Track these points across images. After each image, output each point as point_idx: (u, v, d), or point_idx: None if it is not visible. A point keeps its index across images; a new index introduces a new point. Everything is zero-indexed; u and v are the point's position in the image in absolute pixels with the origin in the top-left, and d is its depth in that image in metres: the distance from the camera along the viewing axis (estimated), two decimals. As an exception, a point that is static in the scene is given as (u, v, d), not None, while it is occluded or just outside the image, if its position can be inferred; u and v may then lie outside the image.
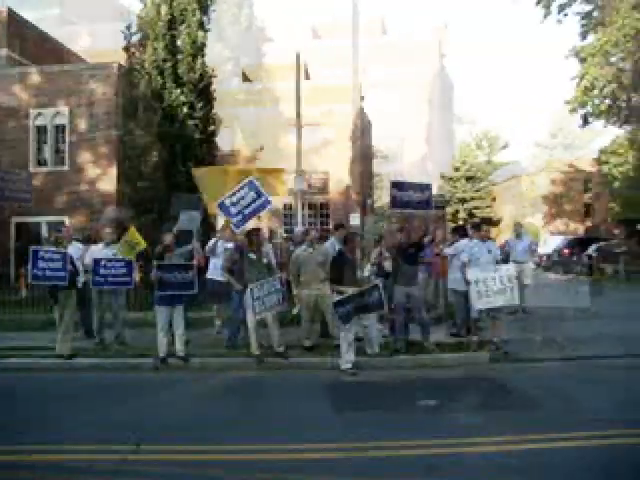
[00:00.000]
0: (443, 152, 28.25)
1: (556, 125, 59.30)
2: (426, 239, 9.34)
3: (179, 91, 14.17)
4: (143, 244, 9.85)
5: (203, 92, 14.99)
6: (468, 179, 57.33)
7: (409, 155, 26.05)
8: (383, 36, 31.35)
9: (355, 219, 25.88)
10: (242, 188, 8.78)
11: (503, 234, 50.39)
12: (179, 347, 8.67)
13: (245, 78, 32.43)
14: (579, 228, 51.34)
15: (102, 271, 9.38)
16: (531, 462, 4.79)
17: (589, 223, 52.02)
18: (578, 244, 28.22)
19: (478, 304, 8.88)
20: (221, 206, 8.73)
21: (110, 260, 9.54)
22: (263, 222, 23.80)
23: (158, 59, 14.08)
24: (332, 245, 9.77)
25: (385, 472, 4.73)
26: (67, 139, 22.92)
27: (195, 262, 8.96)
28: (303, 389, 7.51)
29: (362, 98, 31.89)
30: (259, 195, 8.72)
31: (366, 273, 10.39)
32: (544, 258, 31.75)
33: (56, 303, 8.99)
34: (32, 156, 23.03)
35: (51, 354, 8.97)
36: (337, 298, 8.24)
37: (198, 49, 14.58)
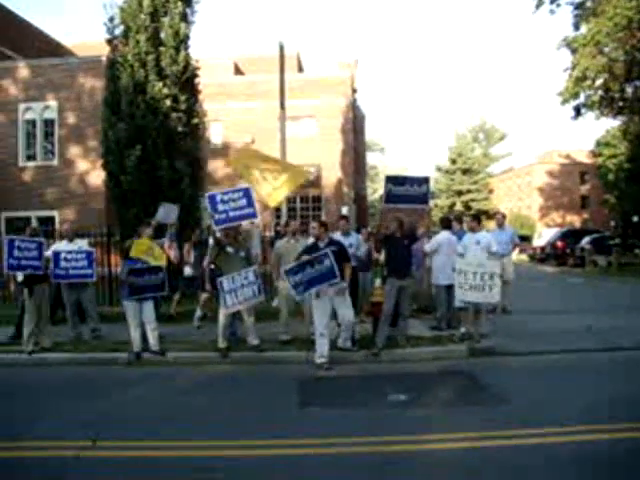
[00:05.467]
0: (356, 176, 28.51)
1: (455, 151, 59.51)
2: (420, 231, 9.20)
3: (162, 84, 13.99)
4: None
5: (187, 85, 14.81)
6: (465, 172, 57.35)
7: (327, 179, 26.16)
8: (299, 72, 31.86)
9: (346, 211, 25.86)
10: (237, 191, 8.78)
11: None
12: (152, 342, 8.60)
13: (237, 71, 32.28)
14: (575, 220, 51.29)
15: (62, 264, 9.32)
16: (485, 460, 4.70)
17: (585, 215, 51.95)
18: (572, 236, 28.12)
19: (457, 294, 8.90)
20: (211, 198, 8.60)
21: (70, 252, 9.48)
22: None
23: (140, 52, 13.89)
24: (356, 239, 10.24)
25: (341, 468, 4.66)
26: (56, 133, 22.85)
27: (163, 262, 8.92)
28: (274, 384, 7.42)
29: (355, 91, 31.91)
30: (249, 205, 8.66)
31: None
32: (538, 251, 31.72)
33: (31, 295, 8.89)
34: (21, 150, 22.94)
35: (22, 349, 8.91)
36: (287, 266, 8.18)
37: (181, 41, 14.39)
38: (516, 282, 12.37)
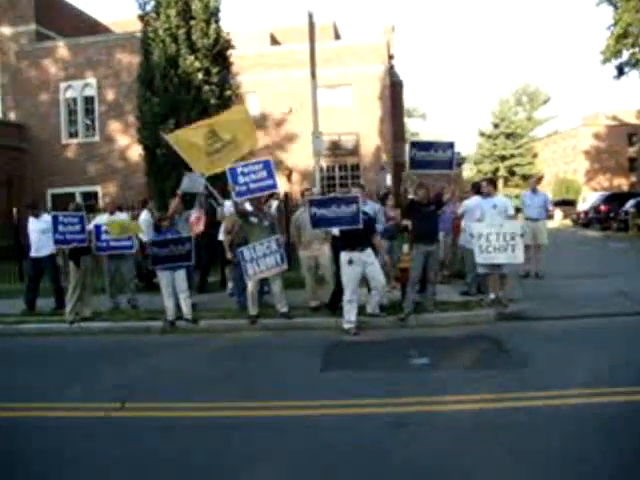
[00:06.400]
0: (395, 144, 27.96)
1: (498, 115, 57.53)
2: (445, 196, 9.16)
3: (193, 57, 14.19)
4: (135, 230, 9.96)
5: (218, 57, 14.97)
6: (508, 136, 56.15)
7: (365, 148, 25.83)
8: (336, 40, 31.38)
9: (386, 179, 25.70)
10: (258, 163, 8.91)
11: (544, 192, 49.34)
12: (185, 310, 8.89)
13: (274, 41, 32.18)
14: (623, 184, 49.74)
15: (103, 237, 9.68)
16: (496, 421, 4.78)
17: (633, 178, 50.28)
18: (616, 200, 27.36)
19: (479, 258, 8.86)
20: (232, 170, 8.78)
21: None
22: (295, 185, 23.92)
23: (171, 26, 14.08)
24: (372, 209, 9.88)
25: (355, 428, 4.82)
26: (96, 110, 23.38)
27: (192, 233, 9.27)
28: (300, 349, 7.61)
29: (392, 57, 31.44)
30: (269, 176, 8.81)
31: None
32: (582, 215, 31.07)
33: (78, 267, 9.29)
34: (64, 128, 23.58)
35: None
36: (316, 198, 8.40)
37: (211, 14, 14.52)
38: (554, 247, 12.22)
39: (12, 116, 23.72)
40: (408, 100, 63.16)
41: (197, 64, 14.21)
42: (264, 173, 8.75)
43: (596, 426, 4.61)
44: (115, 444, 4.71)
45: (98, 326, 9.21)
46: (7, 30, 23.69)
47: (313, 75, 14.60)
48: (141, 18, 14.92)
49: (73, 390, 6.14)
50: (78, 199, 22.71)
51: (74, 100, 23.55)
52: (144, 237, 10.18)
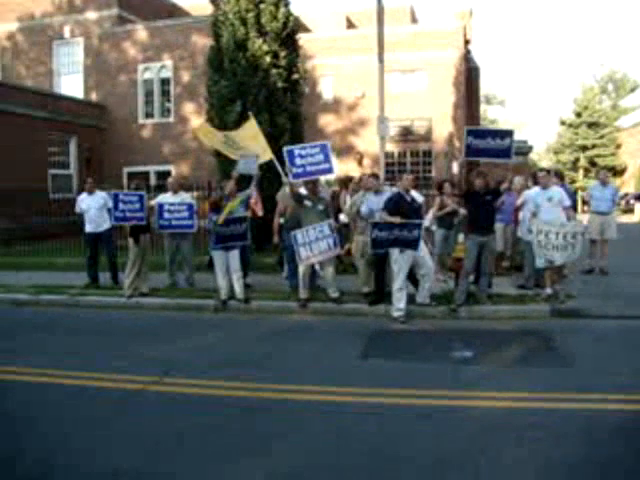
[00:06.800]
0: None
1: (581, 103, 54.07)
2: (503, 186, 8.93)
3: (262, 41, 14.29)
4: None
5: (287, 40, 15.02)
6: (590, 125, 53.71)
7: (437, 134, 25.10)
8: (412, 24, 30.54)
9: (453, 167, 25.24)
10: (315, 147, 9.08)
11: (627, 185, 47.01)
12: (237, 290, 9.07)
13: (350, 25, 32.01)
14: None
15: (166, 215, 9.98)
16: (523, 421, 4.63)
17: None
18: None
19: (536, 253, 8.65)
20: (289, 152, 8.92)
21: (172, 204, 10.10)
22: (366, 169, 23.85)
23: (241, 9, 14.22)
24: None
25: (372, 417, 4.83)
26: (172, 91, 24.03)
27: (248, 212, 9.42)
28: (345, 335, 7.62)
29: (468, 42, 30.63)
30: (326, 160, 8.94)
31: (426, 223, 10.26)
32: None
33: (137, 243, 9.62)
34: (140, 109, 24.38)
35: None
36: (376, 220, 8.27)
37: (281, -2, 14.60)
38: (629, 242, 11.61)
39: (93, 96, 24.70)
40: (486, 86, 61.58)
41: (265, 47, 14.31)
42: (321, 157, 8.85)
43: (630, 435, 4.40)
44: (138, 415, 4.96)
45: (154, 302, 9.54)
46: (92, 15, 24.66)
47: (381, 60, 14.47)
48: (212, 1, 15.17)
49: (120, 362, 6.41)
50: (152, 177, 23.60)
51: (151, 81, 24.28)
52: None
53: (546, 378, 5.67)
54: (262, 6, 14.42)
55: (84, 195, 10.82)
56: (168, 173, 23.82)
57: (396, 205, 8.30)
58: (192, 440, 4.40)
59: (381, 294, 8.80)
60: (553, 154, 59.30)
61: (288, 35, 15.03)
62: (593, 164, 51.83)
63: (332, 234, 8.65)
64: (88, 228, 10.72)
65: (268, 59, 14.47)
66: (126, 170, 24.07)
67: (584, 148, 53.94)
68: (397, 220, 8.05)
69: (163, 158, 24.02)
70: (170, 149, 23.98)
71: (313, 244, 8.55)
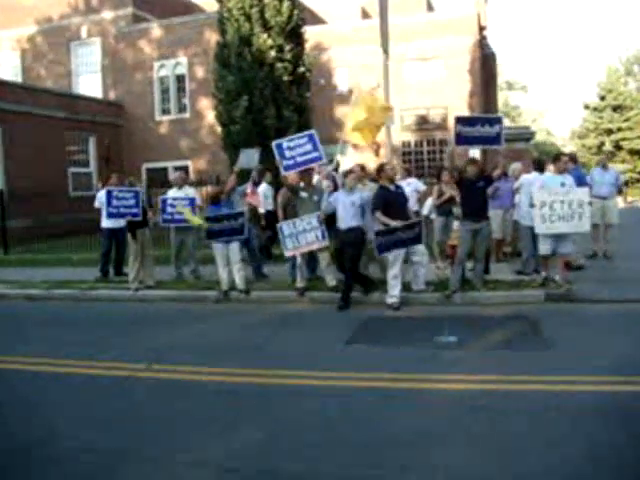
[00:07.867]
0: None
1: (605, 86, 52.69)
2: (495, 173, 8.97)
3: (266, 35, 14.49)
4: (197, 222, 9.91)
5: (292, 34, 15.18)
6: (615, 108, 52.75)
7: (454, 121, 24.53)
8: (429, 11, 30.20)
9: (473, 154, 25.12)
10: (302, 137, 9.29)
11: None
12: (237, 281, 9.31)
13: (365, 15, 31.95)
14: None
15: (169, 209, 10.25)
16: (493, 403, 4.75)
17: None
18: None
19: (540, 228, 8.55)
20: (278, 146, 9.16)
21: (175, 199, 10.35)
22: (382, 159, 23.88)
23: (244, 5, 14.43)
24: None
25: (341, 399, 5.01)
26: (187, 87, 24.35)
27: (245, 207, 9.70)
28: (337, 322, 7.82)
29: (483, 28, 30.36)
30: (315, 149, 9.14)
31: (425, 211, 10.37)
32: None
33: (134, 238, 9.91)
34: (157, 106, 24.78)
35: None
36: (379, 228, 8.37)
37: (284, -8, 14.74)
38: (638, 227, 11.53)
39: (111, 95, 25.16)
40: (508, 72, 60.80)
41: (270, 42, 14.50)
42: (309, 146, 9.04)
43: (599, 416, 4.45)
44: (117, 399, 5.24)
45: (159, 294, 9.86)
46: (108, 14, 25.09)
47: (385, 51, 14.52)
48: (217, -1, 15.42)
49: (116, 350, 6.74)
50: (170, 173, 23.98)
51: (167, 78, 24.63)
52: (262, 209, 10.91)
53: (525, 361, 5.77)
54: (266, 1, 14.59)
55: (103, 191, 11.06)
56: (186, 168, 24.21)
57: (383, 199, 8.44)
58: (151, 419, 4.72)
59: (364, 281, 8.94)
60: (577, 139, 58.33)
61: (293, 29, 15.20)
62: (619, 147, 50.98)
63: (320, 226, 8.80)
64: (107, 224, 10.93)
65: (273, 53, 14.66)
66: (145, 166, 24.51)
67: (609, 132, 53.02)
68: (398, 224, 8.19)
69: (180, 154, 24.36)
70: (187, 144, 24.33)
71: (300, 235, 8.75)
